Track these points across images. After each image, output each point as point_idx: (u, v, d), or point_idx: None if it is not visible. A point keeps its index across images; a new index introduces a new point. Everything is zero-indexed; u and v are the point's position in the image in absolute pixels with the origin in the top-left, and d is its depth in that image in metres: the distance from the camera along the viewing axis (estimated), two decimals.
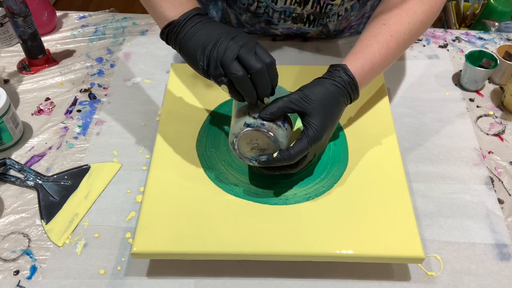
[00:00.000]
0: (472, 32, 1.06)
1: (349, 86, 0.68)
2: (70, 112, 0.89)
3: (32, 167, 0.80)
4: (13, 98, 0.91)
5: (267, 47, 0.99)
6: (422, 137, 0.84)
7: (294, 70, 0.88)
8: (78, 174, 0.78)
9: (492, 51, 0.94)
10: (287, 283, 0.66)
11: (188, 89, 0.85)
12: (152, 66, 0.97)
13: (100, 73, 0.96)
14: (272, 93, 0.63)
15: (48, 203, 0.75)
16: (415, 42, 1.02)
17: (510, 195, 0.77)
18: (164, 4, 0.66)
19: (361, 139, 0.76)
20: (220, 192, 0.70)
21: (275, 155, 0.64)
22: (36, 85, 0.94)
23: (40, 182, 0.77)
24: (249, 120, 0.64)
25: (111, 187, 0.77)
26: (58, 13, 1.09)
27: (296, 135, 0.68)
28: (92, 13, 1.10)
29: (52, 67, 0.98)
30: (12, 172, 0.79)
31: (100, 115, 0.88)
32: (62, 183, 0.77)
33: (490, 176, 0.79)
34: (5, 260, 0.69)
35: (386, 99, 0.82)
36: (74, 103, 0.91)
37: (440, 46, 1.02)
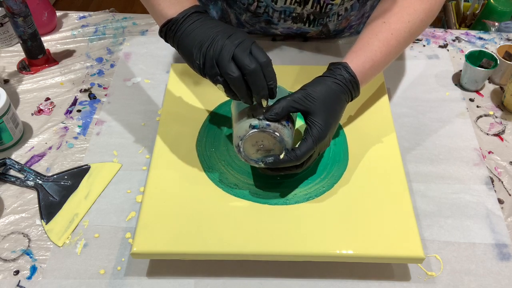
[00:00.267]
0: (472, 32, 1.06)
1: (350, 84, 0.68)
2: (70, 112, 0.89)
3: (32, 167, 0.80)
4: (13, 98, 0.91)
5: (267, 47, 0.99)
6: (422, 137, 0.84)
7: (294, 70, 0.88)
8: (78, 174, 0.78)
9: (492, 51, 0.94)
10: (287, 283, 0.66)
11: (188, 89, 0.85)
12: (152, 66, 0.97)
13: (100, 73, 0.96)
14: (272, 95, 0.63)
15: (48, 203, 0.75)
16: (415, 42, 1.02)
17: (510, 195, 0.77)
18: (163, 2, 0.66)
19: (361, 139, 0.76)
20: (220, 192, 0.70)
21: (281, 156, 0.64)
22: (36, 85, 0.94)
23: (40, 182, 0.77)
24: (253, 121, 0.64)
25: (111, 187, 0.77)
26: (58, 13, 1.09)
27: (297, 133, 0.68)
28: (92, 13, 1.11)
29: (52, 67, 0.98)
30: (12, 172, 0.79)
31: (100, 115, 0.88)
32: (62, 183, 0.77)
33: (490, 176, 0.78)
34: (5, 260, 0.69)
35: (386, 98, 0.82)
36: (74, 103, 0.91)
37: (440, 46, 1.02)
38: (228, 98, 0.82)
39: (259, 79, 0.60)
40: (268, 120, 0.64)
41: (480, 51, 0.92)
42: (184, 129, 0.78)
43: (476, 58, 0.92)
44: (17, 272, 0.67)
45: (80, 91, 0.93)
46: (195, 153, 0.75)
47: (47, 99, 0.91)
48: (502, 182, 0.78)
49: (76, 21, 1.08)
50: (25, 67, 0.97)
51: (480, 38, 1.04)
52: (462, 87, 0.93)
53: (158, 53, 1.00)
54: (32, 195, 0.76)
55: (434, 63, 0.98)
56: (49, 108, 0.90)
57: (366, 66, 0.70)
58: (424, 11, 0.73)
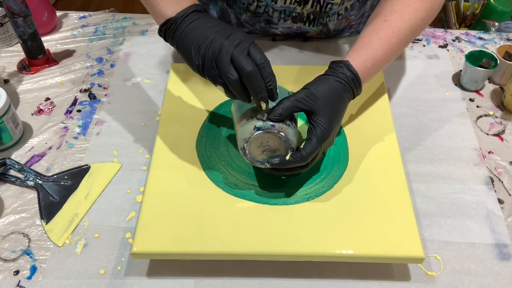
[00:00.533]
0: (472, 32, 1.06)
1: (352, 82, 0.68)
2: (70, 112, 0.89)
3: (32, 167, 0.80)
4: (13, 98, 0.91)
5: (267, 47, 0.99)
6: (422, 137, 0.84)
7: (294, 70, 0.88)
8: (78, 174, 0.78)
9: (492, 51, 0.94)
10: (287, 283, 0.66)
11: (188, 89, 0.85)
12: (152, 66, 0.97)
13: (100, 73, 0.96)
14: (272, 96, 0.63)
15: (48, 203, 0.75)
16: (415, 42, 1.02)
17: (510, 195, 0.77)
18: (162, 2, 0.66)
19: (361, 139, 0.76)
20: (220, 192, 0.69)
21: (287, 157, 0.64)
22: (36, 85, 0.94)
23: (40, 182, 0.77)
24: (258, 123, 0.64)
25: (111, 187, 0.77)
26: (58, 13, 1.09)
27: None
28: (92, 13, 1.10)
29: (52, 67, 0.98)
30: (12, 172, 0.79)
31: (100, 115, 0.88)
32: (62, 183, 0.77)
33: (490, 176, 0.78)
34: (5, 260, 0.69)
35: (386, 98, 0.82)
36: (74, 103, 0.91)
37: (440, 46, 1.02)
38: (228, 98, 0.82)
39: (256, 81, 0.60)
40: (272, 121, 0.64)
41: (480, 51, 0.92)
42: (184, 129, 0.78)
43: (476, 58, 0.92)
44: (17, 272, 0.67)
45: (80, 91, 0.93)
46: (195, 153, 0.75)
47: (47, 99, 0.91)
48: (502, 182, 0.78)
49: (76, 21, 1.08)
50: (25, 67, 0.97)
51: (480, 38, 1.04)
52: (462, 87, 0.93)
53: (158, 53, 1.00)
54: (32, 195, 0.76)
55: (434, 63, 0.98)
56: (49, 108, 0.90)
57: (367, 64, 0.70)
58: (424, 10, 0.74)
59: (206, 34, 0.61)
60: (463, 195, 0.76)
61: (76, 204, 0.75)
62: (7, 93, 0.80)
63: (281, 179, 0.71)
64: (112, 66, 0.98)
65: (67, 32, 1.06)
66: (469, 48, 1.00)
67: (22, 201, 0.76)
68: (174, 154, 0.74)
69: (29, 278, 0.67)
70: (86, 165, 0.80)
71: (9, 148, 0.82)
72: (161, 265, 0.68)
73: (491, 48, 1.01)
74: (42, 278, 0.67)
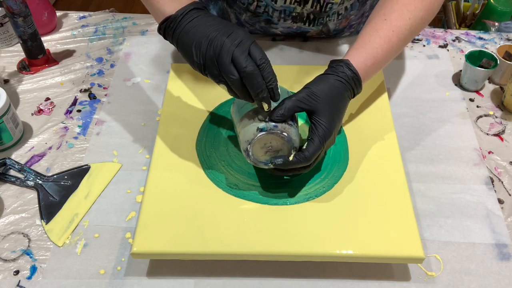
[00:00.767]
0: (472, 32, 1.06)
1: (352, 81, 0.68)
2: (70, 112, 0.89)
3: (32, 167, 0.80)
4: (13, 98, 0.91)
5: (267, 47, 0.99)
6: (422, 137, 0.84)
7: (294, 70, 0.88)
8: (78, 174, 0.78)
9: (492, 51, 0.94)
10: (287, 283, 0.66)
11: (188, 89, 0.85)
12: (152, 66, 0.97)
13: (100, 73, 0.96)
14: (273, 96, 0.62)
15: (48, 203, 0.75)
16: (415, 42, 1.02)
17: (510, 195, 0.77)
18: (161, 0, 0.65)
19: (361, 139, 0.76)
20: (220, 193, 0.69)
21: (291, 158, 0.64)
22: (36, 85, 0.94)
23: (40, 182, 0.77)
24: (260, 124, 0.64)
25: (111, 187, 0.77)
26: (58, 13, 1.09)
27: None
28: (92, 13, 1.10)
29: (52, 67, 0.98)
30: (12, 172, 0.79)
31: (100, 115, 0.88)
32: (62, 183, 0.77)
33: (490, 176, 0.78)
34: (5, 260, 0.69)
35: (386, 98, 0.82)
36: (74, 103, 0.91)
37: (440, 46, 1.02)
38: (228, 98, 0.83)
39: (256, 81, 0.60)
40: (274, 121, 0.64)
41: (480, 51, 0.92)
42: (184, 129, 0.78)
43: (476, 58, 0.92)
44: (17, 272, 0.67)
45: (80, 91, 0.93)
46: (195, 153, 0.75)
47: (47, 99, 0.91)
48: (502, 182, 0.78)
49: (76, 21, 1.08)
50: (25, 67, 0.97)
51: (480, 38, 1.04)
52: (462, 87, 0.93)
53: (158, 53, 0.99)
54: (32, 195, 0.76)
55: (434, 63, 0.98)
56: (49, 108, 0.90)
57: (367, 63, 0.70)
58: (424, 8, 0.74)
59: (207, 32, 0.61)
60: (463, 195, 0.76)
61: (76, 204, 0.75)
62: (7, 93, 0.80)
63: (281, 179, 0.71)
64: (112, 66, 0.98)
65: (67, 32, 1.06)
66: (469, 48, 1.00)
67: (22, 201, 0.76)
68: (174, 154, 0.74)
69: (29, 278, 0.67)
70: (86, 165, 0.80)
71: (9, 148, 0.82)
72: (161, 265, 0.68)
73: (491, 48, 1.01)
74: (42, 278, 0.67)
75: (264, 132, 0.64)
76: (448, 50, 1.01)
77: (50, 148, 0.83)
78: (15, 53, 1.00)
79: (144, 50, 1.01)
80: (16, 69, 0.97)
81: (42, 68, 0.97)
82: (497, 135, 0.85)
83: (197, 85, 0.85)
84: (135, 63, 0.98)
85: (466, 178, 0.78)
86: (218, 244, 0.64)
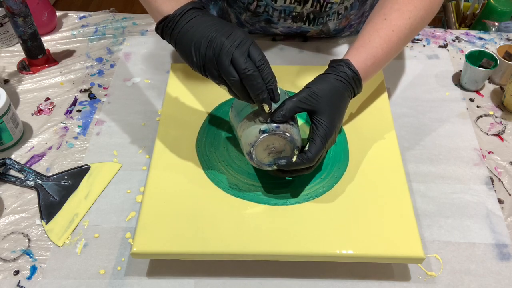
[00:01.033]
0: (472, 32, 1.06)
1: (353, 81, 0.68)
2: (70, 112, 0.89)
3: (32, 167, 0.80)
4: (13, 98, 0.91)
5: (267, 47, 0.99)
6: (422, 137, 0.84)
7: (294, 70, 0.88)
8: (78, 174, 0.78)
9: (492, 51, 0.94)
10: (287, 283, 0.66)
11: (188, 89, 0.85)
12: (152, 66, 0.97)
13: (100, 73, 0.96)
14: (273, 97, 0.62)
15: (48, 203, 0.75)
16: (415, 42, 1.02)
17: (510, 195, 0.77)
18: None
19: (361, 139, 0.76)
20: (219, 193, 0.69)
21: (294, 159, 0.64)
22: (36, 85, 0.94)
23: (40, 182, 0.77)
24: (262, 126, 0.64)
25: (111, 187, 0.77)
26: (58, 13, 1.09)
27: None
28: (92, 13, 1.10)
29: (52, 67, 0.98)
30: (12, 172, 0.79)
31: (100, 115, 0.88)
32: (62, 183, 0.77)
33: (490, 176, 0.78)
34: (5, 260, 0.69)
35: (386, 98, 0.82)
36: (74, 103, 0.91)
37: (440, 46, 1.02)
38: (228, 98, 0.83)
39: (256, 83, 0.60)
40: (275, 122, 0.64)
41: (480, 51, 0.92)
42: (184, 129, 0.78)
43: (476, 58, 0.92)
44: (17, 272, 0.67)
45: (80, 91, 0.93)
46: (195, 153, 0.75)
47: (47, 99, 0.91)
48: (502, 182, 0.78)
49: (76, 21, 1.08)
50: (25, 67, 0.97)
51: (480, 38, 1.04)
52: (462, 87, 0.93)
53: (158, 53, 0.99)
54: (32, 195, 0.76)
55: (434, 63, 0.98)
56: (49, 108, 0.90)
57: (367, 63, 0.70)
58: (424, 8, 0.74)
59: (206, 32, 0.61)
60: (463, 195, 0.76)
61: (76, 204, 0.75)
62: (7, 93, 0.80)
63: (281, 179, 0.71)
64: (112, 66, 0.98)
65: (67, 32, 1.06)
66: (469, 48, 1.00)
67: (22, 201, 0.76)
68: (174, 154, 0.74)
69: (29, 278, 0.67)
70: (86, 165, 0.80)
71: (9, 148, 0.82)
72: (161, 265, 0.68)
73: (491, 48, 1.01)
74: (42, 278, 0.67)
75: (266, 134, 0.64)
76: (448, 50, 1.01)
77: (50, 148, 0.83)
78: (15, 53, 1.00)
79: (144, 50, 1.01)
80: (16, 69, 0.97)
81: (42, 68, 0.97)
82: (497, 135, 0.85)
83: (197, 85, 0.85)
84: (135, 63, 0.98)
85: (466, 178, 0.78)
86: (218, 244, 0.64)
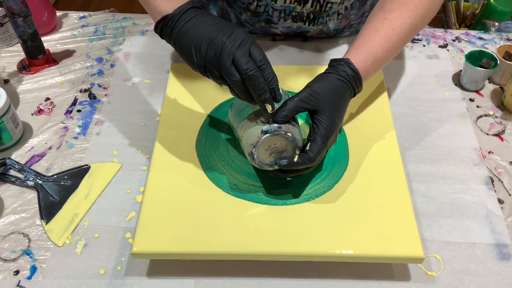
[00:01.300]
0: (472, 32, 1.06)
1: (353, 80, 0.68)
2: (70, 112, 0.89)
3: (32, 167, 0.80)
4: (13, 98, 0.91)
5: (267, 47, 0.99)
6: (422, 137, 0.84)
7: (294, 70, 0.88)
8: (78, 174, 0.78)
9: (492, 51, 0.94)
10: (287, 283, 0.66)
11: (188, 89, 0.85)
12: (152, 66, 0.97)
13: (100, 73, 0.96)
14: (275, 96, 0.62)
15: (48, 203, 0.75)
16: (415, 42, 1.02)
17: (510, 195, 0.77)
18: None
19: (361, 139, 0.76)
20: (219, 193, 0.69)
21: (295, 159, 0.64)
22: (36, 85, 0.94)
23: (40, 182, 0.77)
24: (264, 127, 0.64)
25: (111, 187, 0.77)
26: (58, 13, 1.09)
27: None
28: (92, 13, 1.10)
29: (52, 67, 0.98)
30: (12, 172, 0.79)
31: (100, 115, 0.88)
32: (62, 183, 0.77)
33: (490, 176, 0.78)
34: (5, 260, 0.69)
35: (385, 98, 0.82)
36: (74, 103, 0.91)
37: (440, 46, 1.02)
38: (229, 98, 0.83)
39: (258, 83, 0.60)
40: (277, 123, 0.64)
41: (480, 51, 0.92)
42: (184, 129, 0.78)
43: (476, 58, 0.92)
44: (17, 272, 0.67)
45: (80, 91, 0.93)
46: (195, 153, 0.75)
47: (47, 99, 0.91)
48: (502, 182, 0.78)
49: (76, 21, 1.08)
50: (25, 67, 0.97)
51: (480, 38, 1.04)
52: (462, 87, 0.93)
53: (158, 53, 0.99)
54: (32, 195, 0.76)
55: (434, 63, 0.98)
56: (49, 108, 0.90)
57: (368, 62, 0.70)
58: (424, 7, 0.74)
59: (206, 32, 0.61)
60: (463, 195, 0.76)
61: (76, 204, 0.75)
62: (7, 93, 0.80)
63: (282, 179, 0.71)
64: (112, 66, 0.98)
65: (67, 32, 1.06)
66: (469, 48, 1.00)
67: (22, 201, 0.76)
68: (174, 154, 0.74)
69: (29, 278, 0.67)
70: (86, 165, 0.80)
71: (9, 148, 0.82)
72: (161, 265, 0.68)
73: (491, 48, 1.01)
74: (42, 278, 0.67)
75: (268, 134, 0.64)
76: (448, 50, 1.01)
77: (50, 148, 0.83)
78: (15, 53, 1.00)
79: (144, 50, 1.01)
80: (16, 69, 0.97)
81: (42, 68, 0.97)
82: (497, 135, 0.85)
83: (197, 85, 0.85)
84: (135, 63, 0.98)
85: (466, 178, 0.78)
86: (218, 244, 0.64)
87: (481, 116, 0.88)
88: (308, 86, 0.66)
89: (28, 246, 0.70)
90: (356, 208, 0.68)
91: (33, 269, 0.68)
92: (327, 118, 0.65)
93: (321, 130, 0.64)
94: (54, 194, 0.76)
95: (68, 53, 1.01)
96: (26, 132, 0.85)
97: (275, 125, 0.64)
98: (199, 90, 0.85)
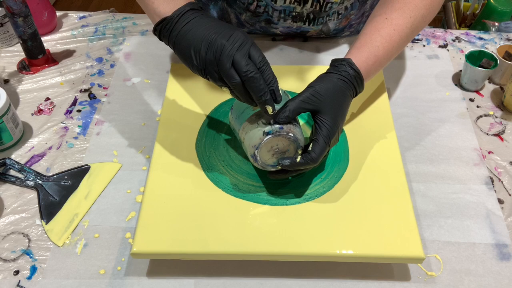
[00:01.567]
0: (472, 32, 1.06)
1: (355, 80, 0.68)
2: (70, 112, 0.89)
3: (32, 167, 0.80)
4: (13, 98, 0.91)
5: (267, 47, 0.99)
6: (422, 137, 0.84)
7: (294, 70, 0.88)
8: (78, 174, 0.78)
9: (492, 51, 0.94)
10: (287, 283, 0.66)
11: (188, 89, 0.85)
12: (152, 66, 0.97)
13: (100, 73, 0.96)
14: (275, 98, 0.62)
15: (48, 203, 0.75)
16: (415, 42, 1.02)
17: (510, 195, 0.77)
18: (156, 0, 0.64)
19: (361, 139, 0.76)
20: (219, 193, 0.69)
21: (298, 159, 0.64)
22: (36, 85, 0.94)
23: (40, 182, 0.77)
24: (266, 128, 0.64)
25: (111, 187, 0.77)
26: (58, 13, 1.09)
27: None
28: (92, 13, 1.10)
29: (52, 67, 0.98)
30: (12, 172, 0.79)
31: (100, 115, 0.88)
32: (62, 183, 0.77)
33: (490, 176, 0.78)
34: (5, 260, 0.69)
35: (386, 98, 0.82)
36: (74, 103, 0.91)
37: (440, 46, 1.02)
38: (228, 98, 0.83)
39: (258, 84, 0.60)
40: (279, 123, 0.64)
41: (480, 51, 0.92)
42: (184, 129, 0.78)
43: (476, 58, 0.92)
44: (17, 272, 0.67)
45: (80, 91, 0.93)
46: (195, 153, 0.75)
47: (47, 99, 0.91)
48: (502, 182, 0.78)
49: (76, 21, 1.08)
50: (25, 67, 0.97)
51: (480, 38, 1.04)
52: (462, 87, 0.93)
53: (158, 53, 0.99)
54: (32, 195, 0.76)
55: (434, 63, 0.98)
56: (49, 108, 0.90)
57: (369, 62, 0.70)
58: (425, 7, 0.74)
59: (205, 35, 0.60)
60: (463, 195, 0.76)
61: (76, 204, 0.75)
62: (7, 93, 0.80)
63: (282, 179, 0.71)
64: (112, 66, 0.98)
65: (67, 32, 1.06)
66: (469, 48, 1.00)
67: (22, 201, 0.76)
68: (174, 154, 0.74)
69: (29, 278, 0.67)
70: (86, 165, 0.80)
71: (9, 148, 0.82)
72: (161, 265, 0.68)
73: (491, 48, 1.01)
74: (42, 278, 0.67)
75: (270, 135, 0.64)
76: (448, 50, 1.01)
77: (50, 148, 0.83)
78: (15, 53, 1.00)
79: (144, 50, 1.01)
80: (16, 69, 0.97)
81: (42, 68, 0.97)
82: (497, 135, 0.85)
83: (197, 85, 0.85)
84: (135, 63, 0.98)
85: (466, 178, 0.78)
86: (218, 244, 0.64)
87: (481, 116, 0.88)
88: (309, 86, 0.66)
89: (28, 246, 0.70)
90: (356, 208, 0.68)
91: (33, 269, 0.68)
92: (329, 118, 0.65)
93: (323, 130, 0.64)
94: (54, 194, 0.76)
95: (68, 53, 1.01)
96: (26, 132, 0.85)
97: (277, 126, 0.64)
98: (199, 90, 0.85)
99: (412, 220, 0.66)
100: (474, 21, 1.72)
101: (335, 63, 0.69)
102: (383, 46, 0.71)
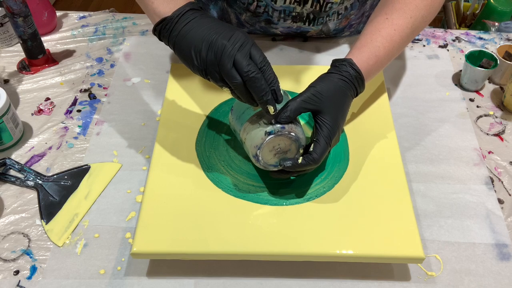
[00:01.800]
0: (472, 32, 1.06)
1: (356, 80, 0.68)
2: (70, 112, 0.89)
3: (32, 167, 0.80)
4: (13, 98, 0.91)
5: (267, 47, 0.99)
6: (422, 137, 0.84)
7: (294, 70, 0.88)
8: (78, 174, 0.78)
9: (492, 51, 0.94)
10: (287, 283, 0.66)
11: (188, 89, 0.85)
12: (152, 66, 0.97)
13: (100, 73, 0.96)
14: (277, 98, 0.62)
15: (48, 203, 0.75)
16: (415, 42, 1.02)
17: (510, 195, 0.77)
18: (156, 0, 0.64)
19: (361, 139, 0.76)
20: (219, 193, 0.69)
21: (300, 160, 0.64)
22: (36, 85, 0.94)
23: (40, 182, 0.77)
24: (267, 128, 0.64)
25: (111, 187, 0.77)
26: (58, 13, 1.09)
27: None
28: (92, 13, 1.10)
29: (52, 67, 0.98)
30: (12, 172, 0.79)
31: (100, 115, 0.88)
32: (62, 183, 0.77)
33: (490, 176, 0.78)
34: (5, 260, 0.69)
35: (386, 98, 0.82)
36: (74, 103, 0.91)
37: (440, 46, 1.02)
38: (228, 98, 0.83)
39: (259, 84, 0.60)
40: (280, 123, 0.64)
41: (480, 51, 0.92)
42: (184, 129, 0.78)
43: (476, 58, 0.92)
44: (17, 272, 0.67)
45: (80, 91, 0.93)
46: (195, 153, 0.75)
47: (47, 99, 0.91)
48: (502, 182, 0.78)
49: (76, 21, 1.08)
50: (25, 67, 0.97)
51: (480, 38, 1.04)
52: (462, 87, 0.93)
53: (158, 53, 0.99)
54: (32, 195, 0.76)
55: (434, 63, 0.98)
56: (49, 108, 0.90)
57: (370, 62, 0.70)
58: (425, 7, 0.74)
59: (205, 35, 0.60)
60: (463, 195, 0.76)
61: (76, 204, 0.75)
62: (7, 93, 0.80)
63: (282, 179, 0.71)
64: (112, 66, 0.98)
65: (67, 32, 1.06)
66: (469, 48, 1.00)
67: (22, 201, 0.76)
68: (174, 154, 0.74)
69: (29, 278, 0.67)
70: (86, 165, 0.80)
71: (9, 148, 0.82)
72: (161, 265, 0.68)
73: (491, 48, 1.01)
74: (42, 278, 0.67)
75: (272, 135, 0.64)
76: (448, 50, 1.01)
77: (50, 148, 0.83)
78: (15, 53, 1.00)
79: (144, 50, 1.01)
80: (16, 69, 0.97)
81: (42, 68, 0.97)
82: (497, 135, 0.85)
83: (197, 85, 0.85)
84: (135, 63, 0.98)
85: (466, 178, 0.78)
86: (218, 244, 0.64)
87: (481, 116, 0.88)
88: (310, 86, 0.66)
89: (28, 246, 0.70)
90: (356, 208, 0.68)
91: (33, 269, 0.68)
92: (330, 119, 0.65)
93: (324, 130, 0.64)
94: (54, 194, 0.76)
95: (68, 53, 1.01)
96: (26, 132, 0.85)
97: (278, 125, 0.64)
98: (199, 90, 0.85)
99: (412, 220, 0.66)
100: (474, 21, 1.72)
101: (336, 63, 0.69)
102: (384, 46, 0.71)
